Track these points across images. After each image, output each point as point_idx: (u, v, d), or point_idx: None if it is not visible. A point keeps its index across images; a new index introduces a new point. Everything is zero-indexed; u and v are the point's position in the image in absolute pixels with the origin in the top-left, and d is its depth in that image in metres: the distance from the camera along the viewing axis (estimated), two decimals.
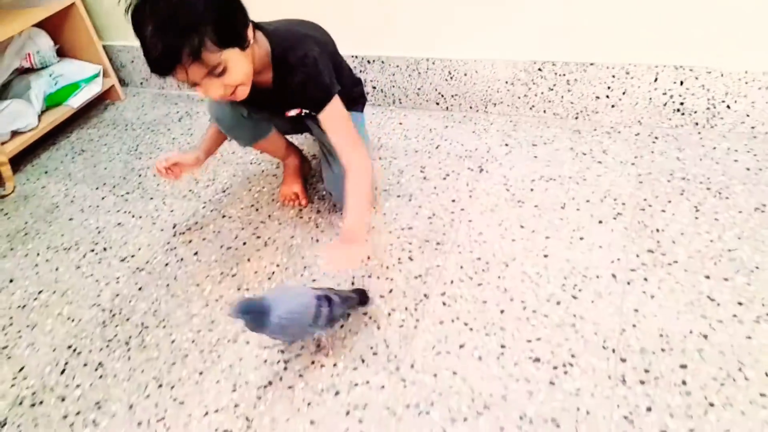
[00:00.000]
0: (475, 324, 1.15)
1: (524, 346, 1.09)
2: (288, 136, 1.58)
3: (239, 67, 1.08)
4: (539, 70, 1.66)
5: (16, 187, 1.81)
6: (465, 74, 1.75)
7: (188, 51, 0.99)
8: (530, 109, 1.74)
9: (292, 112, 1.26)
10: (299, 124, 1.47)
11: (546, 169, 1.53)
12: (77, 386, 1.15)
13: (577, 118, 1.70)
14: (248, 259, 1.40)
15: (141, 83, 2.30)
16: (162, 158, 1.34)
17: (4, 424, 1.11)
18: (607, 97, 1.63)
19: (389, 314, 1.20)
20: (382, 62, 1.83)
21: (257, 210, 1.56)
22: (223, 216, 1.55)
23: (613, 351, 1.06)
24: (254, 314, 0.97)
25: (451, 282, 1.25)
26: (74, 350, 1.24)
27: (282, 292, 1.11)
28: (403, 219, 1.44)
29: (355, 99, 1.47)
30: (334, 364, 1.12)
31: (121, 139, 1.99)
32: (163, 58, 1.00)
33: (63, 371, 1.20)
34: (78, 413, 1.10)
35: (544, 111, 1.73)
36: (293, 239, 1.44)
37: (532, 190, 1.46)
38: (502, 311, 1.17)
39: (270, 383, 1.10)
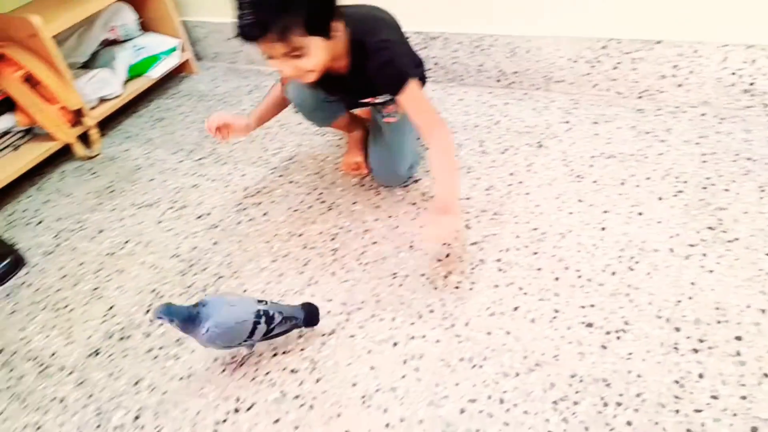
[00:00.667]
0: (529, 289, 1.20)
1: (577, 312, 1.13)
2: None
3: (317, 56, 1.13)
4: (603, 47, 1.65)
5: (101, 150, 1.96)
6: (527, 51, 1.77)
7: (278, 29, 1.04)
8: (593, 87, 1.74)
9: (367, 99, 1.31)
10: (371, 110, 1.52)
11: (606, 146, 1.54)
12: (160, 325, 1.27)
13: (641, 97, 1.69)
14: (313, 222, 1.48)
15: (213, 57, 2.42)
16: (215, 117, 1.41)
17: (97, 353, 1.24)
18: (674, 76, 1.61)
19: (445, 276, 1.26)
20: (446, 39, 1.87)
21: (321, 177, 1.64)
22: (290, 181, 1.64)
23: (668, 320, 1.08)
24: (181, 321, 1.00)
25: (507, 250, 1.30)
26: (157, 294, 1.36)
27: (221, 303, 1.06)
28: (461, 190, 1.49)
29: (419, 78, 1.50)
30: (393, 319, 1.19)
31: (196, 109, 2.11)
32: (253, 29, 1.06)
33: (146, 311, 1.32)
34: (161, 348, 1.22)
35: (607, 89, 1.73)
36: (355, 205, 1.51)
37: (591, 166, 1.48)
38: (556, 278, 1.21)
39: (333, 331, 1.19)
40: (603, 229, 1.29)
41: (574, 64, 1.72)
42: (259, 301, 1.10)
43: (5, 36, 1.81)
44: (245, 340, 1.06)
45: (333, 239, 1.42)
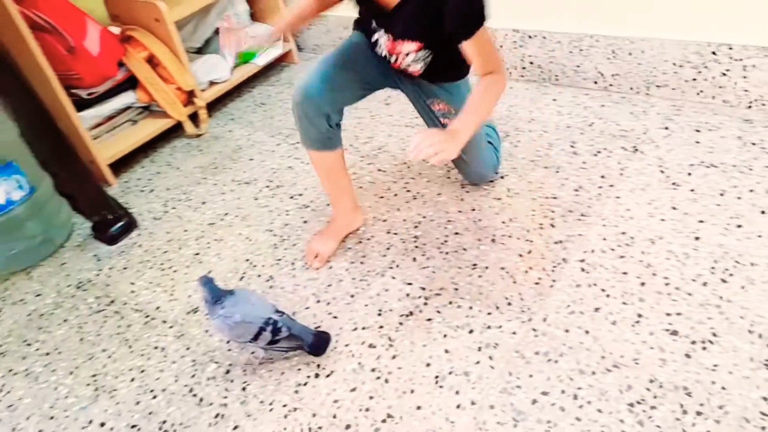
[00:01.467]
0: (612, 291, 1.18)
1: (662, 319, 1.10)
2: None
3: None
4: (713, 53, 1.58)
5: (207, 129, 2.12)
6: (630, 54, 1.72)
7: None
8: (697, 94, 1.67)
9: (408, 47, 1.16)
10: (394, 79, 1.37)
11: (708, 155, 1.48)
12: (252, 291, 1.37)
13: (750, 107, 1.60)
14: (397, 209, 1.53)
15: (313, 49, 2.54)
16: (280, 22, 1.30)
17: (196, 311, 1.36)
18: None
19: (526, 272, 1.27)
20: (544, 37, 1.86)
21: (408, 167, 1.69)
22: (378, 169, 1.71)
23: (760, 336, 1.03)
24: (210, 295, 1.09)
25: (592, 251, 1.28)
26: (251, 263, 1.46)
27: (244, 298, 1.12)
28: (548, 189, 1.49)
29: (462, 64, 1.27)
30: (470, 307, 1.22)
31: None
32: None
33: (241, 278, 1.42)
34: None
35: (713, 97, 1.65)
36: (439, 196, 1.55)
37: (689, 174, 1.43)
38: (642, 284, 1.18)
39: (411, 313, 1.23)
40: (697, 238, 1.25)
41: (679, 68, 1.66)
42: (277, 311, 1.14)
43: (133, 19, 2.00)
44: (249, 341, 1.11)
45: (416, 227, 1.46)
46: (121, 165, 1.98)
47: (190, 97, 2.06)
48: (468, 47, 1.10)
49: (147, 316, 1.38)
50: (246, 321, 1.10)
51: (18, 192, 1.54)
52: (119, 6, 2.03)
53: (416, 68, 1.24)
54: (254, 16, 2.38)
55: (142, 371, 1.24)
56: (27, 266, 1.63)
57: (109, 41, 1.88)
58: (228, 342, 1.25)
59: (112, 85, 1.93)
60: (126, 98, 1.99)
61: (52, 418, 1.19)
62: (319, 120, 1.24)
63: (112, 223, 1.64)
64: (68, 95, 1.73)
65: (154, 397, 1.18)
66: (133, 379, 1.22)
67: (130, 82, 1.99)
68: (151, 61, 1.98)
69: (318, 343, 1.17)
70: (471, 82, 1.32)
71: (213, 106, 2.22)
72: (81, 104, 1.84)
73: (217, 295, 1.10)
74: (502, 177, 1.55)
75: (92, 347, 1.33)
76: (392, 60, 1.26)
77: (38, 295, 1.52)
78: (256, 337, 1.10)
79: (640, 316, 1.12)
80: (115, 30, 1.98)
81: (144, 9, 1.94)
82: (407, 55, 1.20)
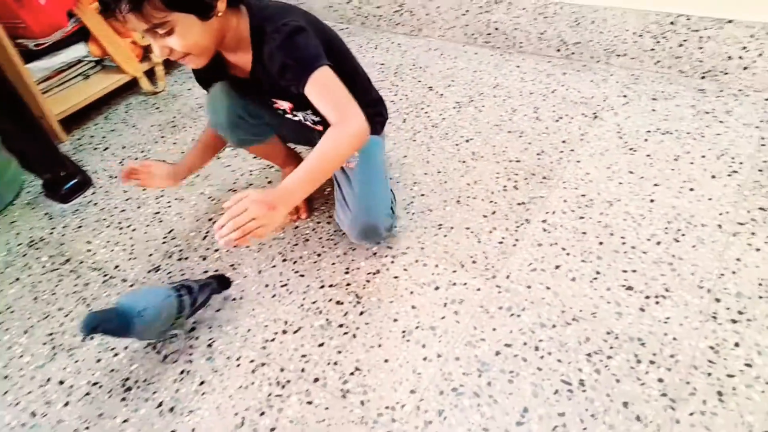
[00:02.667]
0: (572, 250, 1.22)
1: (619, 275, 1.15)
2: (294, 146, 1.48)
3: (190, 36, 0.94)
4: (672, 23, 1.63)
5: (166, 87, 2.04)
6: (592, 22, 1.75)
7: None
8: (655, 63, 1.72)
9: (282, 105, 1.10)
10: (304, 133, 1.29)
11: (663, 122, 1.53)
12: (216, 251, 1.35)
13: (704, 77, 1.67)
14: None
15: None
16: (133, 162, 1.23)
17: (158, 270, 1.33)
18: (740, 58, 1.58)
19: (490, 231, 1.30)
20: (510, 3, 1.86)
21: None
22: None
23: (709, 291, 1.10)
24: (110, 324, 0.98)
25: (553, 212, 1.32)
26: (214, 223, 1.43)
27: (135, 294, 1.10)
28: (511, 152, 1.51)
29: (370, 119, 1.04)
30: (436, 265, 1.24)
31: None
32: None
33: (204, 237, 1.40)
34: (216, 270, 1.30)
35: (670, 67, 1.71)
36: (405, 158, 1.55)
37: (646, 140, 1.48)
38: (600, 243, 1.23)
39: (378, 271, 1.24)
40: (652, 201, 1.30)
41: (638, 38, 1.71)
42: (170, 284, 1.13)
43: None
44: (179, 316, 1.08)
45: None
46: (72, 122, 1.89)
47: (146, 52, 1.98)
48: (309, 96, 0.98)
49: (105, 275, 1.34)
50: (164, 300, 1.05)
51: None
52: None
53: (315, 123, 1.21)
54: None
55: None
56: None
57: None
58: (156, 345, 1.16)
59: (62, 36, 1.82)
60: (77, 51, 1.89)
61: (6, 377, 1.15)
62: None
63: (64, 181, 1.58)
64: (14, 45, 1.62)
65: (116, 355, 1.15)
66: (92, 338, 1.19)
67: (82, 34, 1.89)
68: None
69: (221, 279, 1.21)
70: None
71: (171, 64, 2.13)
72: (29, 56, 1.74)
73: (110, 317, 0.99)
74: (467, 140, 1.57)
75: (47, 306, 1.29)
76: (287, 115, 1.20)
77: None
78: (181, 308, 1.08)
79: (597, 273, 1.17)
80: None
81: None
82: (293, 113, 1.15)
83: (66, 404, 1.07)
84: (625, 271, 1.16)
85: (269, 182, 1.54)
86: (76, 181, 1.60)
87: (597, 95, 1.68)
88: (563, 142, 1.52)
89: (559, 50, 1.87)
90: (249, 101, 1.20)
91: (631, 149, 1.46)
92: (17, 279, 1.37)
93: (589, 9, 1.73)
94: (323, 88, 0.97)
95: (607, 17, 1.72)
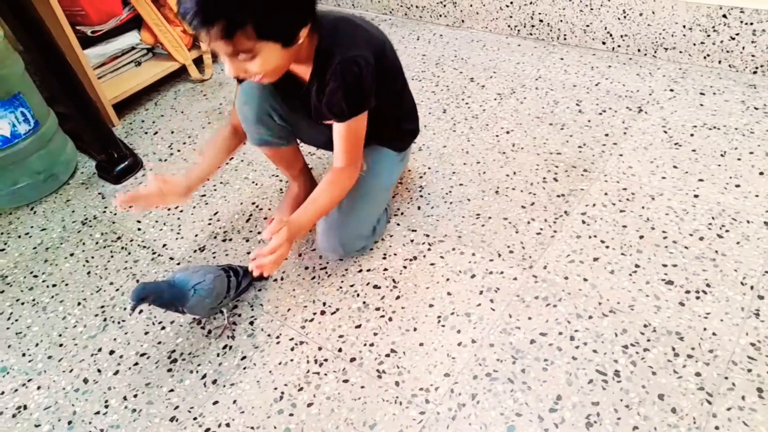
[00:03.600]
0: (612, 243, 1.22)
1: (659, 269, 1.14)
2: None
3: (271, 61, 0.96)
4: (724, 16, 1.59)
5: (213, 75, 2.10)
6: (641, 14, 1.72)
7: (223, 25, 0.86)
8: (704, 57, 1.68)
9: (327, 122, 1.11)
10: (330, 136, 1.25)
11: (710, 117, 1.50)
12: (258, 233, 1.39)
13: (755, 72, 1.62)
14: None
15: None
16: (126, 198, 1.11)
17: (203, 249, 1.38)
18: None
19: (528, 222, 1.30)
20: None
21: None
22: None
23: (752, 288, 1.08)
24: (163, 296, 1.03)
25: (593, 205, 1.31)
26: (257, 206, 1.48)
27: (188, 270, 1.10)
28: (552, 144, 1.51)
29: (402, 135, 1.28)
30: (473, 254, 1.25)
31: None
32: (195, 17, 0.86)
33: (247, 220, 1.44)
34: None
35: (719, 62, 1.67)
36: (444, 148, 1.56)
37: (692, 135, 1.45)
38: (641, 237, 1.22)
39: (415, 258, 1.26)
40: (696, 196, 1.28)
41: (688, 32, 1.67)
42: (217, 265, 1.16)
43: None
44: (226, 296, 1.12)
45: (421, 177, 1.48)
46: (124, 107, 1.97)
47: (195, 41, 2.04)
48: (336, 129, 1.09)
49: (154, 253, 1.40)
50: (216, 277, 1.09)
51: (24, 125, 1.54)
52: None
53: None
54: None
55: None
56: (31, 201, 1.64)
57: None
58: (201, 321, 1.20)
59: (117, 24, 1.90)
60: (130, 38, 1.97)
61: (61, 345, 1.22)
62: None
63: (117, 162, 1.65)
64: (74, 32, 1.70)
65: (163, 328, 1.21)
66: (141, 311, 1.25)
67: (135, 22, 1.96)
68: (157, 1, 1.95)
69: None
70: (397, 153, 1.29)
71: None
72: (86, 42, 1.81)
73: (162, 288, 1.05)
74: (507, 132, 1.57)
75: (100, 280, 1.35)
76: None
77: (43, 230, 1.54)
78: (229, 288, 1.12)
79: (637, 266, 1.16)
80: None
81: None
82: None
83: (116, 372, 1.13)
84: (665, 266, 1.15)
85: (311, 168, 1.57)
86: (127, 163, 1.67)
87: (642, 89, 1.65)
88: (606, 135, 1.51)
89: (604, 43, 1.84)
90: (284, 103, 1.19)
91: (676, 144, 1.44)
92: (72, 254, 1.44)
93: (637, 1, 1.70)
94: (351, 133, 1.09)
95: (657, 9, 1.68)
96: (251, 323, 1.18)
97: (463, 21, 2.12)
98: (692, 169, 1.35)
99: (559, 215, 1.30)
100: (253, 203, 1.50)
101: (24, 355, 1.21)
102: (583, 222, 1.28)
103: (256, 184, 1.55)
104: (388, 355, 1.07)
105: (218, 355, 1.13)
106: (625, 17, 1.75)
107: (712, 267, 1.13)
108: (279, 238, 0.99)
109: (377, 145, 1.25)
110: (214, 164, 1.25)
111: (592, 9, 1.80)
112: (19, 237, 1.53)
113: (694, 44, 1.68)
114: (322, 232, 1.22)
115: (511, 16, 1.98)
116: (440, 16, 2.16)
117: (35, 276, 1.40)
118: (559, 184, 1.39)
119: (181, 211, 1.51)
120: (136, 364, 1.14)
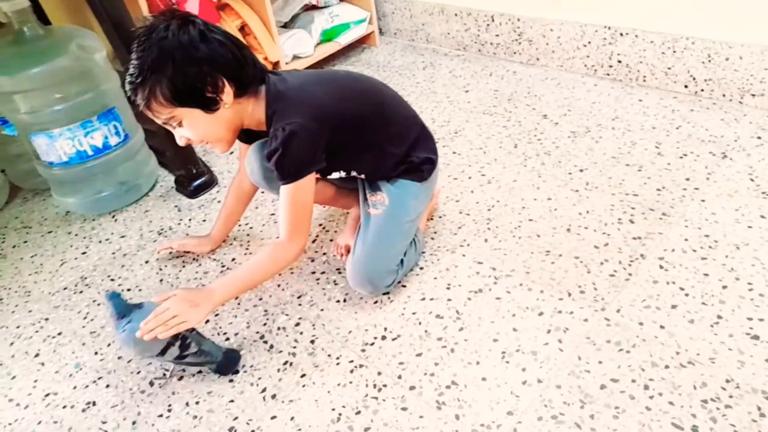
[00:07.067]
0: (692, 291, 1.15)
1: (743, 322, 1.07)
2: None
3: (200, 127, 1.03)
4: None
5: None
6: (727, 59, 1.67)
7: (141, 95, 0.98)
8: None
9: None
10: (347, 182, 1.32)
11: None
12: (323, 254, 1.41)
13: None
14: (471, 191, 1.54)
15: (395, 33, 2.57)
16: (167, 244, 1.44)
17: None
18: None
19: (601, 263, 1.25)
20: (636, 36, 1.82)
21: (484, 152, 1.69)
22: (453, 152, 1.72)
23: None
24: (116, 310, 1.02)
25: (672, 250, 1.26)
26: (323, 228, 1.50)
27: (143, 307, 1.06)
28: (629, 185, 1.46)
29: (417, 166, 1.24)
30: (541, 291, 1.21)
31: (375, 75, 2.26)
32: (129, 92, 1.00)
33: (314, 241, 1.47)
34: (323, 273, 1.36)
35: None
36: (515, 182, 1.55)
37: None
38: (724, 287, 1.15)
39: (480, 290, 1.24)
40: None
41: None
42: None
43: None
44: (156, 356, 1.06)
45: (489, 210, 1.47)
46: None
47: (275, 67, 2.13)
48: (281, 194, 1.10)
49: (223, 266, 1.44)
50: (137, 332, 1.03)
51: (115, 137, 1.64)
52: None
53: (351, 173, 1.25)
54: None
55: (216, 314, 1.30)
56: (112, 210, 1.73)
57: (207, 6, 1.96)
58: (264, 335, 1.22)
59: None
60: None
61: None
62: None
63: (195, 178, 1.72)
64: None
65: (227, 339, 1.23)
66: (207, 321, 1.28)
67: None
68: (243, 30, 2.06)
69: (226, 363, 1.13)
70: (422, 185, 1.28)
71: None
72: None
73: (122, 310, 1.04)
74: (581, 171, 1.54)
75: (170, 288, 1.40)
76: None
77: (122, 237, 1.62)
78: (163, 352, 1.05)
79: (719, 317, 1.09)
80: None
81: None
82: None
83: (180, 378, 1.16)
84: (750, 319, 1.07)
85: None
86: (204, 179, 1.74)
87: (727, 134, 1.58)
88: (687, 179, 1.45)
89: (686, 86, 1.79)
90: None
91: (763, 193, 1.36)
92: (146, 261, 1.51)
93: (723, 45, 1.65)
94: (291, 199, 1.08)
95: (744, 54, 1.63)
96: (312, 342, 1.19)
97: (537, 59, 2.12)
98: None
99: (634, 258, 1.25)
100: (320, 225, 1.52)
101: (96, 353, 1.26)
102: (661, 267, 1.22)
103: (323, 207, 1.58)
104: (448, 387, 1.05)
105: (278, 370, 1.14)
106: (709, 61, 1.70)
107: None
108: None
109: (396, 178, 1.24)
110: (235, 215, 1.44)
111: (674, 52, 1.76)
112: (100, 242, 1.61)
113: None
114: (349, 269, 1.23)
115: (588, 56, 1.97)
116: (514, 53, 2.17)
117: (112, 279, 1.47)
118: (635, 226, 1.34)
119: (251, 228, 1.56)
120: (200, 372, 1.17)
